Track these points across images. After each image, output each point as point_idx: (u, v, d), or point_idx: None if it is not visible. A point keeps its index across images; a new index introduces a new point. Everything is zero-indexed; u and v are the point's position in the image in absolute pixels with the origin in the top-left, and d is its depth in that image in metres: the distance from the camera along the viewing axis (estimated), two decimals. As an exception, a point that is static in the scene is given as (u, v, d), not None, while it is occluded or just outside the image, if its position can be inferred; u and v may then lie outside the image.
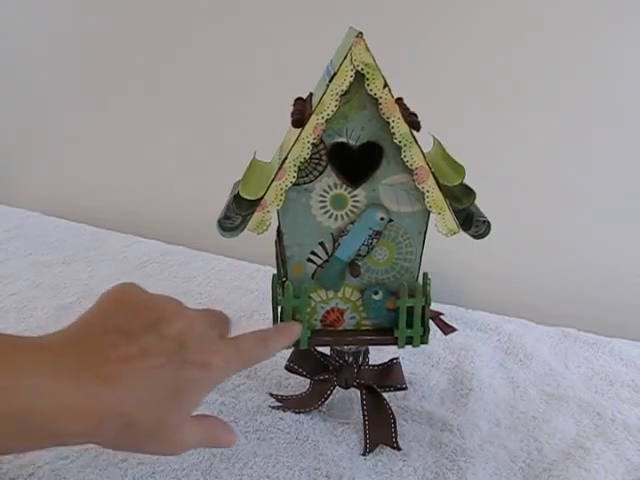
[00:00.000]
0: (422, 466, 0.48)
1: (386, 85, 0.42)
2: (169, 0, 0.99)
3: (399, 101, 0.44)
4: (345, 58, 0.41)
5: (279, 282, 0.49)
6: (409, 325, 0.49)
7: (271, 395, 0.56)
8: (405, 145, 0.43)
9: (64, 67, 1.15)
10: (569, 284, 0.79)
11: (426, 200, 0.45)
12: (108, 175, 1.15)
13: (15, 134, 1.28)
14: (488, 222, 0.47)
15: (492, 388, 0.58)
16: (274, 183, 0.44)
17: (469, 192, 0.47)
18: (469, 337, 0.67)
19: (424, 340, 0.50)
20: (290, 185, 0.44)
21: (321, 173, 0.45)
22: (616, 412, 0.54)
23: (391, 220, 0.46)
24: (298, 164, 0.43)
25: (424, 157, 0.44)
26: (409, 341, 0.49)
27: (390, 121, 0.43)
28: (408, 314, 0.48)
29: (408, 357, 0.62)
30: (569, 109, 0.74)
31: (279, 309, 0.49)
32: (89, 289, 0.79)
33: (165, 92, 1.04)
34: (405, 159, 0.44)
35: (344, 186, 0.45)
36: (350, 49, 0.41)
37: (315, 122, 0.42)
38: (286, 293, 0.47)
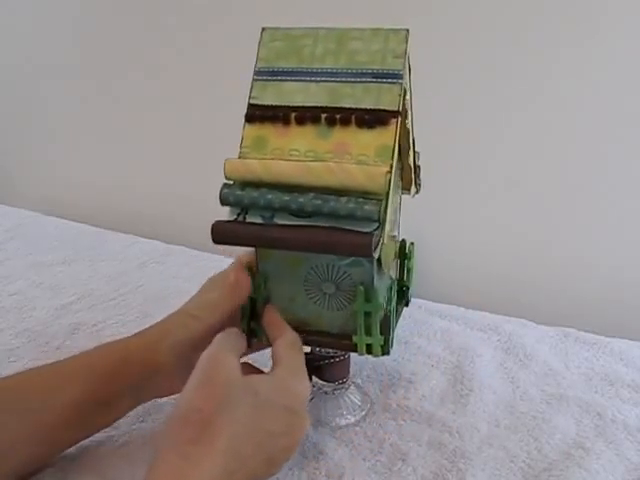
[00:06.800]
0: (421, 466, 0.48)
1: None
2: (169, 1, 0.99)
3: None
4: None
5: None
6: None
7: None
8: None
9: (64, 67, 1.15)
10: (569, 284, 0.79)
11: None
12: (108, 175, 1.15)
13: (15, 134, 1.28)
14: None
15: (492, 388, 0.58)
16: (388, 209, 0.43)
17: None
18: (469, 337, 0.67)
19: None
20: None
21: None
22: (616, 412, 0.54)
23: None
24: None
25: None
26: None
27: None
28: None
29: (408, 357, 0.62)
30: (570, 108, 0.74)
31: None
32: (89, 289, 0.79)
33: (165, 92, 1.04)
34: None
35: None
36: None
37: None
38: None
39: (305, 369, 0.45)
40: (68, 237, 0.97)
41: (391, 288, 0.49)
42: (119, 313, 0.73)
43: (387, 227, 0.43)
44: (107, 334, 0.67)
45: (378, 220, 0.41)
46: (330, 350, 0.51)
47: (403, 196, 0.53)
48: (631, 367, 0.61)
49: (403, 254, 0.55)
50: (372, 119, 0.42)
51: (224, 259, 0.88)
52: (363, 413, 0.54)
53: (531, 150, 0.77)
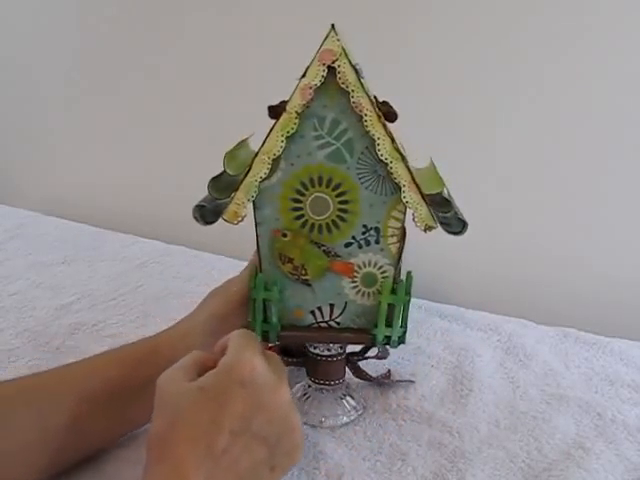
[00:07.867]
0: (421, 466, 0.48)
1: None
2: (168, 2, 0.99)
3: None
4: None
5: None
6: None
7: None
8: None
9: (64, 67, 1.15)
10: (569, 284, 0.79)
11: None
12: (108, 175, 1.15)
13: (15, 134, 1.28)
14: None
15: (492, 388, 0.58)
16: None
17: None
18: (469, 337, 0.67)
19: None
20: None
21: None
22: (616, 412, 0.54)
23: None
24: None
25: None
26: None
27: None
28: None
29: (408, 357, 0.62)
30: (569, 108, 0.74)
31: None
32: (89, 289, 0.79)
33: (165, 92, 1.04)
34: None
35: None
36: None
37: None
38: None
39: (255, 348, 0.42)
40: (68, 237, 0.97)
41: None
42: (119, 313, 0.73)
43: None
44: (107, 334, 0.67)
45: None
46: (326, 350, 0.52)
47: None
48: (631, 367, 0.61)
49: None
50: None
51: (224, 259, 0.88)
52: (358, 414, 0.54)
53: (531, 149, 0.77)
